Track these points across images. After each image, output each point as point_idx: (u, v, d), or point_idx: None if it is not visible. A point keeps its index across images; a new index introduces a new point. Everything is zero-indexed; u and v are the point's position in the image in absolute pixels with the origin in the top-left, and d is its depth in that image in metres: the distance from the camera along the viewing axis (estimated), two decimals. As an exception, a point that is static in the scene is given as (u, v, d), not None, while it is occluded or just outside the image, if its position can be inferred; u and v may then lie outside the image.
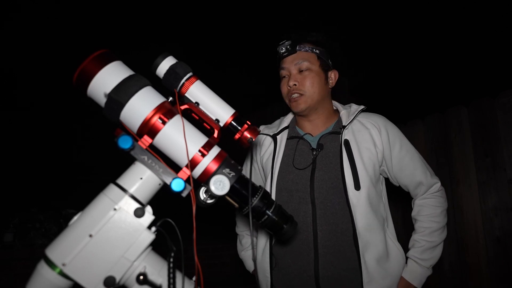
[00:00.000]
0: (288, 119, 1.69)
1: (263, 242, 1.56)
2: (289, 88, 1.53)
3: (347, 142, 1.48)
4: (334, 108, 1.66)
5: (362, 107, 1.57)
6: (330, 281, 1.40)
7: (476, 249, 2.64)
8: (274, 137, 1.62)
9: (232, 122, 0.88)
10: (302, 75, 1.51)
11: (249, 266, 1.74)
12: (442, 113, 2.95)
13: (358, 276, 1.39)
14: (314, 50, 1.53)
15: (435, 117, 3.00)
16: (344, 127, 1.52)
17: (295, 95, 1.51)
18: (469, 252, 2.68)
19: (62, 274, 0.69)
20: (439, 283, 2.83)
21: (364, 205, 1.41)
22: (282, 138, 1.61)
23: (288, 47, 1.51)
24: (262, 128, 1.72)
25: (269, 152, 1.62)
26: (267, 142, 1.66)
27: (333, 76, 1.59)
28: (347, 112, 1.57)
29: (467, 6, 3.04)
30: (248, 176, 0.84)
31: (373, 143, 1.48)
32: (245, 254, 1.75)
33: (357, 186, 1.42)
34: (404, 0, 3.07)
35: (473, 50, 3.48)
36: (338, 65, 1.63)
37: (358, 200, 1.41)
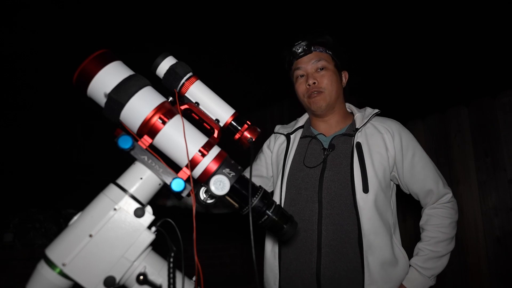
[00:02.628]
0: (303, 119, 1.73)
1: (270, 240, 1.57)
2: (308, 86, 1.54)
3: (359, 145, 1.48)
4: (349, 110, 1.69)
5: (376, 110, 1.59)
6: (331, 280, 1.40)
7: (476, 249, 2.64)
8: (288, 136, 1.66)
9: (232, 122, 0.89)
10: (320, 73, 1.54)
11: None
12: (442, 113, 2.96)
13: (359, 277, 1.39)
14: (327, 51, 1.57)
15: (435, 117, 3.00)
16: (357, 129, 1.53)
17: (315, 93, 1.53)
18: (469, 252, 2.68)
19: (62, 274, 0.69)
20: (439, 283, 2.83)
21: (371, 209, 1.41)
22: (296, 137, 1.64)
23: (305, 47, 1.53)
24: (277, 127, 1.77)
25: (281, 150, 1.65)
26: (281, 140, 1.69)
27: (345, 76, 1.64)
28: (361, 115, 1.59)
29: (467, 6, 3.04)
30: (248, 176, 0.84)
31: (385, 148, 1.48)
32: None
33: (366, 189, 1.41)
34: (404, 0, 3.07)
35: (473, 49, 3.48)
36: (346, 67, 1.67)
37: (366, 203, 1.40)
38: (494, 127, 2.60)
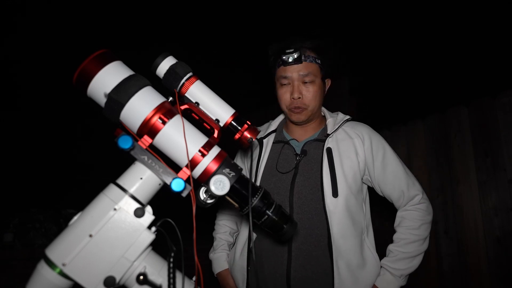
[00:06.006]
0: (276, 123, 1.72)
1: (242, 241, 1.59)
2: (292, 99, 1.52)
3: (329, 150, 1.50)
4: (322, 114, 1.69)
5: (348, 117, 1.60)
6: (301, 282, 1.42)
7: (476, 249, 2.64)
8: (260, 140, 1.65)
9: (232, 122, 0.89)
10: (306, 87, 1.51)
11: (216, 267, 1.70)
12: (442, 113, 2.95)
13: (329, 280, 1.41)
14: (317, 60, 1.52)
15: (435, 117, 3.00)
16: (328, 135, 1.54)
17: (298, 108, 1.52)
18: (469, 252, 2.68)
19: (62, 274, 0.69)
20: (439, 283, 2.83)
21: (341, 213, 1.42)
22: (268, 142, 1.64)
23: (295, 56, 1.48)
24: None
25: (255, 155, 1.65)
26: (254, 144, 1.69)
27: (328, 84, 1.61)
28: (333, 120, 1.60)
29: (467, 6, 3.04)
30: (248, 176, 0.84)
31: (355, 153, 1.50)
32: (214, 256, 1.73)
33: (335, 194, 1.43)
34: (404, 0, 3.07)
35: (473, 49, 3.48)
36: (333, 71, 1.63)
37: (335, 207, 1.42)
38: (494, 127, 2.60)
